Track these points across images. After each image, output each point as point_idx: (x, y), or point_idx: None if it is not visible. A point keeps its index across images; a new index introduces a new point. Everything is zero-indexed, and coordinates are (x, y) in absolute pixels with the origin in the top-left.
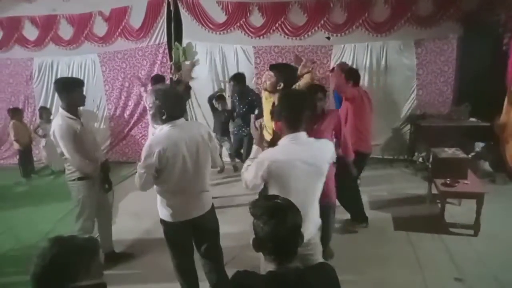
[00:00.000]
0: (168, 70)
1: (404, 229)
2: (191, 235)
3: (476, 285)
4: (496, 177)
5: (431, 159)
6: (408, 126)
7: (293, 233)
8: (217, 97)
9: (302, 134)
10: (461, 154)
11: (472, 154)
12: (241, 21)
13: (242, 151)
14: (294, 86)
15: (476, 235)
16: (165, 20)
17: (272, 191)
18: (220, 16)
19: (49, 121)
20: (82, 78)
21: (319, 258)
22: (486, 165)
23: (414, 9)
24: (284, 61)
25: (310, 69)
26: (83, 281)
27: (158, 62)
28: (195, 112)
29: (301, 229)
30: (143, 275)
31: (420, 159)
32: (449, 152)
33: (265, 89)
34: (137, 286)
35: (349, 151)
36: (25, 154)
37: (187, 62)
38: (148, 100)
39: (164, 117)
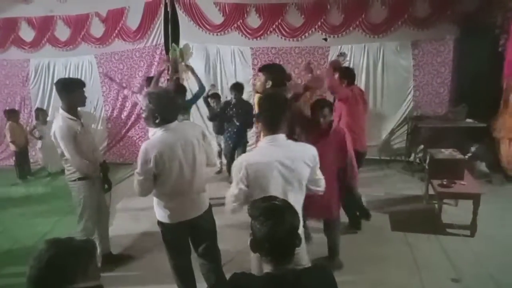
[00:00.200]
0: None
1: (401, 230)
2: (189, 236)
3: (473, 285)
4: (493, 177)
5: (428, 160)
6: (405, 127)
7: (290, 234)
8: (211, 95)
9: (281, 136)
10: (457, 155)
11: (469, 155)
12: (238, 22)
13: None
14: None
15: (473, 235)
16: (162, 21)
17: (254, 195)
18: (217, 17)
19: (45, 122)
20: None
21: None
22: (482, 166)
23: (411, 11)
24: (281, 63)
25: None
26: (80, 283)
27: (155, 63)
28: (192, 112)
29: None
30: (141, 277)
31: (417, 160)
32: (445, 153)
33: (256, 91)
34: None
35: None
36: (22, 156)
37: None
38: (141, 104)
39: (157, 121)
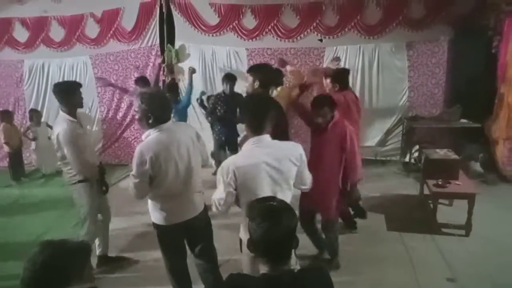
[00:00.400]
0: (161, 72)
1: (397, 230)
2: (185, 237)
3: (468, 285)
4: (487, 177)
5: (423, 160)
6: (400, 128)
7: (287, 236)
8: (207, 98)
9: (266, 137)
10: (452, 155)
11: (464, 155)
12: (234, 23)
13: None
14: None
15: (468, 235)
16: (158, 22)
17: (242, 198)
18: (212, 18)
19: (39, 123)
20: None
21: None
22: (477, 166)
23: (406, 12)
24: (276, 64)
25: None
26: (74, 285)
27: (151, 64)
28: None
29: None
30: (136, 279)
31: (412, 160)
32: (440, 153)
33: (247, 92)
34: None
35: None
36: (15, 157)
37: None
38: (134, 104)
39: (150, 121)
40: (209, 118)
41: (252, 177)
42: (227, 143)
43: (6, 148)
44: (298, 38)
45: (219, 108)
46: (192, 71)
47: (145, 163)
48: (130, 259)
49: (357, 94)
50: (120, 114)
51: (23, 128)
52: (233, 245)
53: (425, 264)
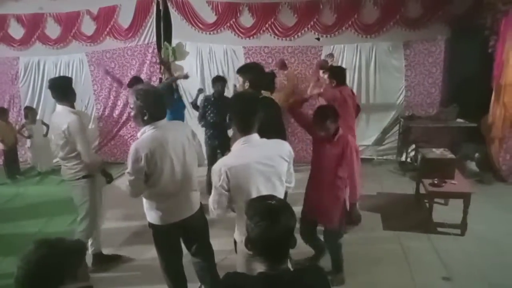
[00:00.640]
0: (157, 70)
1: (393, 229)
2: (181, 237)
3: (463, 284)
4: (483, 177)
5: (419, 159)
6: (397, 127)
7: (285, 235)
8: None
9: (255, 136)
10: (448, 155)
11: (460, 154)
12: (231, 21)
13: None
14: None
15: (463, 234)
16: (154, 19)
17: (236, 199)
18: (210, 16)
19: (34, 121)
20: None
21: None
22: (473, 165)
23: (403, 11)
24: (273, 62)
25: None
26: (69, 284)
27: (147, 62)
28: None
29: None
30: (131, 277)
31: (409, 160)
32: (437, 152)
33: None
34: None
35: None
36: (10, 155)
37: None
38: (129, 101)
39: (145, 118)
40: (202, 123)
41: (244, 177)
42: (220, 147)
43: (0, 146)
44: (296, 36)
45: (209, 111)
46: (185, 76)
47: (140, 160)
48: (125, 257)
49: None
50: (117, 112)
51: (18, 125)
52: (230, 243)
53: (421, 263)
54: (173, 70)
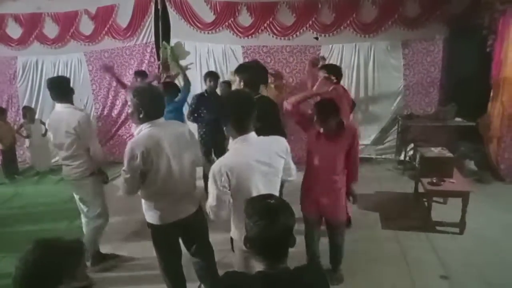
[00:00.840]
0: (156, 70)
1: (392, 228)
2: (179, 237)
3: (461, 282)
4: (481, 176)
5: (417, 158)
6: (395, 126)
7: (284, 234)
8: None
9: (252, 134)
10: (447, 153)
11: (458, 153)
12: (230, 21)
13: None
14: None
15: (462, 233)
16: (153, 19)
17: (235, 198)
18: (208, 16)
19: (32, 121)
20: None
21: None
22: (471, 164)
23: (401, 11)
24: (272, 61)
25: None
26: (68, 284)
27: (146, 61)
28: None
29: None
30: (132, 277)
31: (407, 158)
32: (435, 151)
33: None
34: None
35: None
36: (9, 155)
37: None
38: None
39: (141, 116)
40: (191, 118)
41: (245, 176)
42: (214, 148)
43: None
44: (294, 36)
45: (202, 108)
46: (185, 67)
47: (136, 157)
48: (123, 256)
49: (352, 92)
50: (115, 112)
51: (17, 125)
52: (229, 241)
53: (419, 261)
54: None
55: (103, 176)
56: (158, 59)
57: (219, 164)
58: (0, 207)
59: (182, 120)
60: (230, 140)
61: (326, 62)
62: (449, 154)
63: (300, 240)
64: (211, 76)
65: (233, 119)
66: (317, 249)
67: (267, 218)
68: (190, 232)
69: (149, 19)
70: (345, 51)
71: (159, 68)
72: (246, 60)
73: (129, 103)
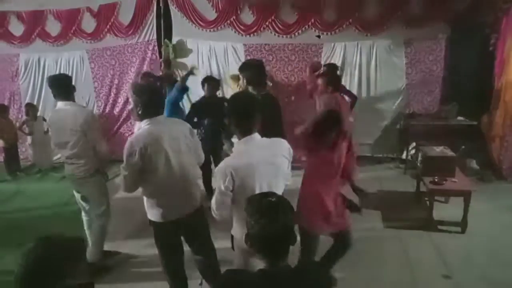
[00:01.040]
0: (158, 67)
1: (393, 227)
2: (181, 235)
3: (463, 281)
4: (483, 175)
5: (419, 157)
6: (397, 125)
7: (285, 232)
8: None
9: (256, 135)
10: (449, 153)
11: (460, 152)
12: (232, 19)
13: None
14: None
15: (464, 232)
16: (155, 16)
17: (239, 198)
18: (210, 14)
19: (35, 118)
20: (70, 75)
21: None
22: (473, 163)
23: (404, 9)
24: (274, 60)
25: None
26: (69, 281)
27: (148, 59)
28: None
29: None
30: (134, 274)
31: (409, 157)
32: (437, 150)
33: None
34: (127, 285)
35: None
36: (11, 152)
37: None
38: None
39: (140, 112)
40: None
41: (249, 177)
42: (212, 152)
43: (1, 143)
44: (296, 34)
45: (201, 114)
46: (191, 71)
47: (135, 154)
48: (125, 253)
49: (355, 90)
50: (117, 109)
51: (19, 122)
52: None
53: (421, 261)
54: (175, 67)
55: (103, 175)
56: (160, 57)
57: (224, 165)
58: (3, 204)
59: (182, 117)
60: (225, 147)
61: (329, 62)
62: (451, 153)
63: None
64: (210, 81)
65: (238, 121)
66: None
67: (268, 216)
68: (191, 230)
69: (151, 16)
70: (347, 50)
71: (161, 66)
72: (248, 58)
73: (130, 100)
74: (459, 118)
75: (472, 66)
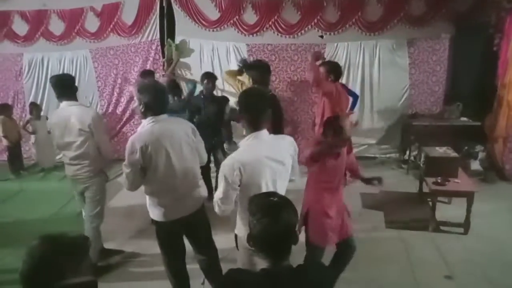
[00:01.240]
0: (161, 67)
1: (396, 227)
2: (183, 234)
3: (466, 282)
4: (486, 176)
5: (422, 158)
6: (400, 125)
7: (287, 232)
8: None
9: (264, 132)
10: (452, 153)
11: (463, 153)
12: (235, 19)
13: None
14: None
15: (466, 233)
16: (158, 16)
17: (243, 194)
18: (213, 13)
19: (39, 117)
20: (73, 74)
21: None
22: (476, 164)
23: (407, 9)
24: (277, 59)
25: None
26: (73, 279)
27: (151, 58)
28: None
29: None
30: (137, 273)
31: (412, 158)
32: (440, 151)
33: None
34: (129, 283)
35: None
36: (14, 151)
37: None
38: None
39: (143, 111)
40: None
41: (257, 172)
42: (211, 150)
43: (4, 142)
44: (299, 34)
45: (200, 110)
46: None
47: (136, 152)
48: (128, 252)
49: (358, 90)
50: (120, 109)
51: (22, 121)
52: (233, 239)
53: (424, 261)
54: (179, 67)
55: (104, 175)
56: (163, 57)
57: (231, 159)
58: (6, 203)
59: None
60: (225, 145)
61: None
62: (454, 154)
63: (300, 236)
64: (208, 77)
65: (249, 116)
66: None
67: (270, 216)
68: (193, 229)
69: (154, 16)
70: (350, 50)
71: (163, 65)
72: (251, 58)
73: (135, 97)
74: (462, 118)
75: (476, 66)
